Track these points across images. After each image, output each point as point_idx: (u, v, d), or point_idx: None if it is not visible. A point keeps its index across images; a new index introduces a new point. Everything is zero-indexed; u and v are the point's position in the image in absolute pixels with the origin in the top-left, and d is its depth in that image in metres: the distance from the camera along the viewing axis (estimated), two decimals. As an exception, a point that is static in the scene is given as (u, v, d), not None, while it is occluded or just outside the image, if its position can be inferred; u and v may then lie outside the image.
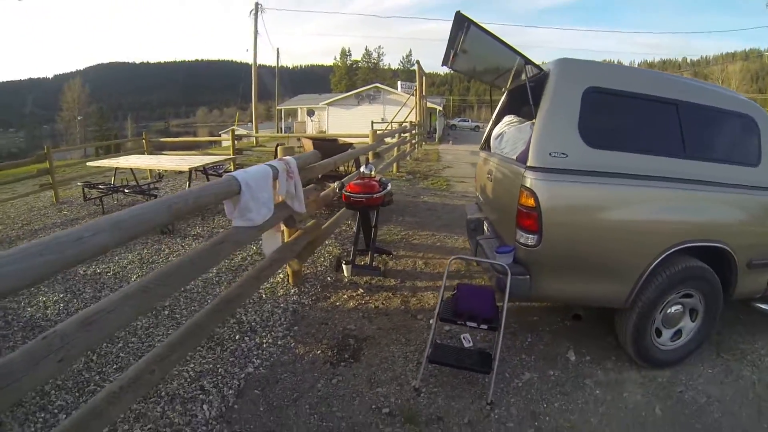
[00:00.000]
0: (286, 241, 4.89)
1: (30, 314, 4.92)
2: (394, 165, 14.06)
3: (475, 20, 3.71)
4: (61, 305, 5.06)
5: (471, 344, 3.89)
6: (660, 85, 3.71)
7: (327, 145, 9.46)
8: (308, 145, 9.22)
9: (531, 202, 3.33)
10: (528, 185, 3.36)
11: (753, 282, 3.91)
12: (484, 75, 5.38)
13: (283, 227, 4.84)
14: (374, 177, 5.65)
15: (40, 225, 9.11)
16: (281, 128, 47.87)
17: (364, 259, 5.63)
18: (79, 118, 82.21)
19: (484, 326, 3.45)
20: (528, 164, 3.41)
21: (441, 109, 44.74)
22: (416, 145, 21.42)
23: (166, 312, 4.71)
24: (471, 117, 76.13)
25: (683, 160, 3.53)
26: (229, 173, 3.61)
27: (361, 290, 5.07)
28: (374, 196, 5.28)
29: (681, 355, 3.78)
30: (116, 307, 2.25)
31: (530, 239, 3.39)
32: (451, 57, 4.60)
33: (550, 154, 3.35)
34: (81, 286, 5.54)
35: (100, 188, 9.86)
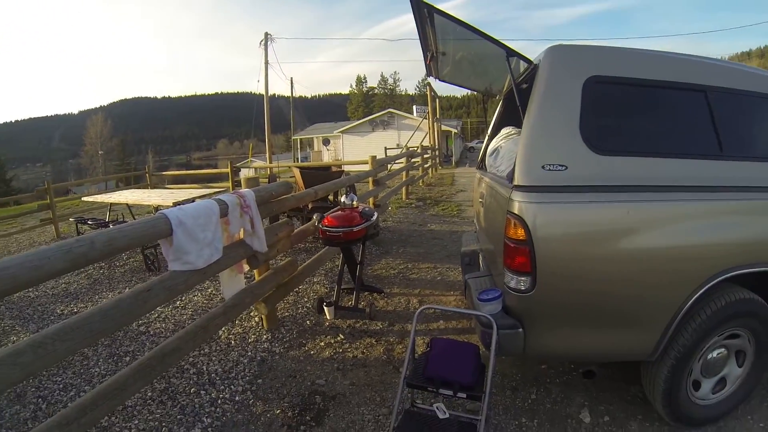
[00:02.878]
0: (254, 281, 4.29)
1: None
2: (403, 191, 13.44)
3: (437, 6, 3.02)
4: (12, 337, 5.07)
5: (447, 415, 2.82)
6: (681, 68, 2.90)
7: (316, 174, 8.83)
8: (297, 174, 8.63)
9: (520, 233, 2.55)
10: (515, 210, 2.59)
11: None
12: (474, 82, 4.70)
13: (246, 267, 4.18)
14: (356, 207, 4.98)
15: (38, 261, 9.18)
16: (298, 158, 47.84)
17: (351, 299, 4.98)
18: (101, 152, 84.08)
19: (462, 395, 2.65)
20: (515, 183, 2.66)
21: (457, 131, 44.16)
22: (429, 170, 20.76)
23: (127, 358, 4.29)
24: (489, 138, 74.60)
25: (720, 161, 2.73)
26: (161, 210, 2.99)
27: (341, 336, 4.37)
28: (354, 229, 4.60)
29: (725, 409, 2.96)
30: (-2, 366, 1.91)
31: (522, 282, 2.60)
32: (428, 61, 3.92)
33: (543, 167, 2.58)
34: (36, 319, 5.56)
35: (90, 224, 9.86)
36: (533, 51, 3.25)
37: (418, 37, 3.65)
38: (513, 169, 2.79)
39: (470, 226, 9.06)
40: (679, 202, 2.63)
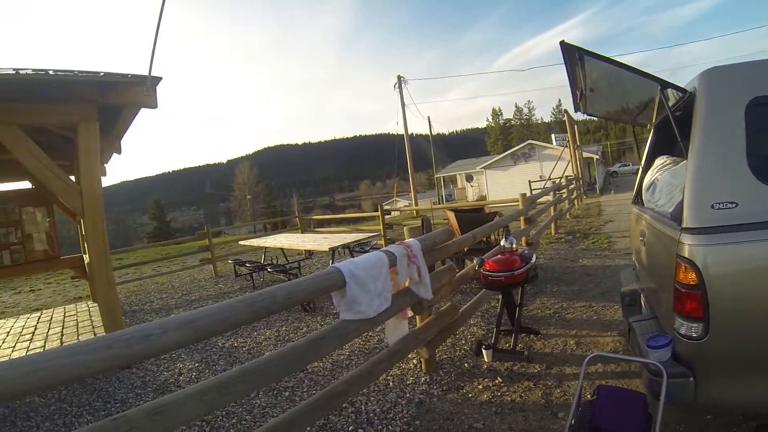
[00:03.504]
0: (417, 326, 4.45)
1: (165, 378, 5.48)
2: (552, 226, 13.12)
3: (586, 48, 3.03)
4: (194, 374, 5.51)
5: None
6: None
7: (470, 216, 8.89)
8: (452, 218, 8.71)
9: (692, 277, 2.44)
10: (685, 254, 2.49)
11: None
12: (623, 114, 4.58)
13: (410, 313, 4.32)
14: (516, 250, 4.98)
15: (197, 296, 10.42)
16: (442, 196, 48.24)
17: (509, 341, 4.94)
18: (248, 196, 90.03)
19: None
20: (683, 225, 2.56)
21: (598, 157, 42.45)
22: (575, 201, 20.13)
23: (287, 393, 4.59)
24: (632, 160, 70.64)
25: None
26: (334, 265, 3.22)
27: (499, 379, 4.35)
28: (515, 273, 4.58)
29: None
30: (187, 401, 2.22)
31: (693, 329, 2.48)
32: (578, 99, 3.90)
33: (712, 206, 2.47)
34: (216, 358, 6.01)
35: (247, 266, 10.75)
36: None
37: (567, 78, 3.66)
38: (677, 208, 2.70)
39: (622, 259, 8.73)
40: None
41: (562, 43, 3.16)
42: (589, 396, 3.02)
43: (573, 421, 2.73)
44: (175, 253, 17.05)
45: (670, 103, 3.10)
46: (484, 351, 4.80)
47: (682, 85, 3.04)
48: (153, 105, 5.56)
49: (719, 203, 2.47)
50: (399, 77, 29.37)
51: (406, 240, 4.12)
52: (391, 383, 4.51)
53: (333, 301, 3.29)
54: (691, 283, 2.45)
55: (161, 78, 5.45)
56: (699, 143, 2.61)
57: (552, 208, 13.52)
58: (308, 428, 3.73)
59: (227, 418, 4.17)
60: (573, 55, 3.25)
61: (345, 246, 9.19)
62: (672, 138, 3.42)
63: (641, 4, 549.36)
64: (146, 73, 5.34)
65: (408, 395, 4.24)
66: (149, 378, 5.47)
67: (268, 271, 9.79)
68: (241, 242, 13.28)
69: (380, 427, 3.75)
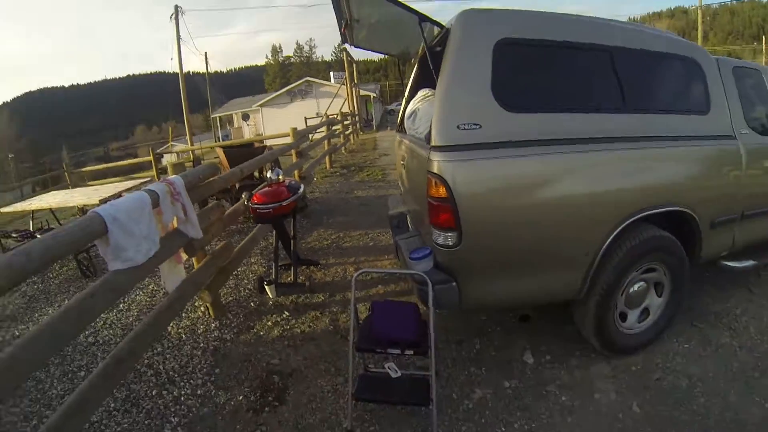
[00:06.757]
0: (194, 269, 4.27)
1: None
2: (327, 160, 13.40)
3: None
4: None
5: (399, 374, 2.92)
6: (588, 30, 3.11)
7: (240, 152, 8.70)
8: (222, 154, 8.48)
9: (441, 191, 2.66)
10: (435, 170, 2.69)
11: (719, 242, 3.46)
12: (390, 47, 4.74)
13: (184, 255, 4.14)
14: (283, 182, 4.97)
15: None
16: (219, 137, 46.59)
17: (290, 274, 4.98)
18: (10, 155, 78.26)
19: (410, 352, 2.76)
20: (432, 144, 2.76)
21: (376, 95, 43.91)
22: (351, 136, 20.72)
23: (83, 373, 4.03)
24: (409, 100, 74.09)
25: (624, 114, 3.00)
26: (93, 209, 2.91)
27: (286, 313, 4.41)
28: (283, 203, 4.58)
29: (652, 335, 3.32)
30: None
31: (449, 238, 2.73)
32: (343, 29, 3.94)
33: (458, 126, 2.69)
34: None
35: (14, 236, 9.10)
36: (451, 12, 3.30)
37: (332, 5, 3.65)
38: (430, 131, 2.88)
39: (395, 189, 9.11)
40: (588, 153, 2.86)
41: None
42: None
43: (355, 338, 2.88)
44: None
45: (432, 38, 3.27)
46: (266, 287, 4.80)
47: (443, 22, 3.21)
48: None
49: (464, 124, 2.69)
50: (176, 7, 26.90)
51: (169, 177, 3.90)
52: (183, 336, 4.31)
53: (99, 251, 2.99)
54: (442, 196, 2.66)
55: None
56: (449, 71, 2.79)
57: (326, 142, 13.77)
58: (111, 403, 3.44)
59: (26, 421, 3.61)
60: None
61: (118, 195, 8.54)
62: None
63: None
64: None
65: (202, 345, 4.11)
66: None
67: (38, 238, 8.72)
68: (2, 210, 11.61)
69: (182, 383, 3.60)
